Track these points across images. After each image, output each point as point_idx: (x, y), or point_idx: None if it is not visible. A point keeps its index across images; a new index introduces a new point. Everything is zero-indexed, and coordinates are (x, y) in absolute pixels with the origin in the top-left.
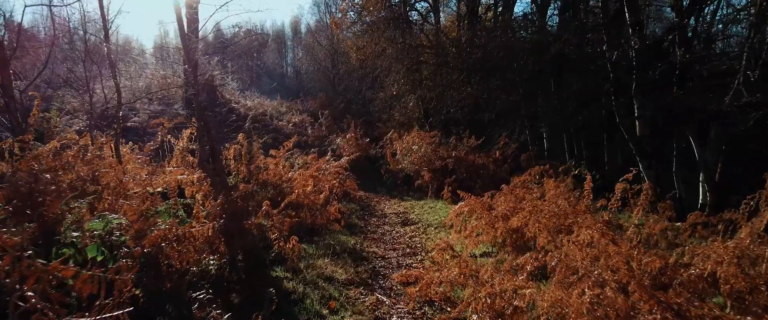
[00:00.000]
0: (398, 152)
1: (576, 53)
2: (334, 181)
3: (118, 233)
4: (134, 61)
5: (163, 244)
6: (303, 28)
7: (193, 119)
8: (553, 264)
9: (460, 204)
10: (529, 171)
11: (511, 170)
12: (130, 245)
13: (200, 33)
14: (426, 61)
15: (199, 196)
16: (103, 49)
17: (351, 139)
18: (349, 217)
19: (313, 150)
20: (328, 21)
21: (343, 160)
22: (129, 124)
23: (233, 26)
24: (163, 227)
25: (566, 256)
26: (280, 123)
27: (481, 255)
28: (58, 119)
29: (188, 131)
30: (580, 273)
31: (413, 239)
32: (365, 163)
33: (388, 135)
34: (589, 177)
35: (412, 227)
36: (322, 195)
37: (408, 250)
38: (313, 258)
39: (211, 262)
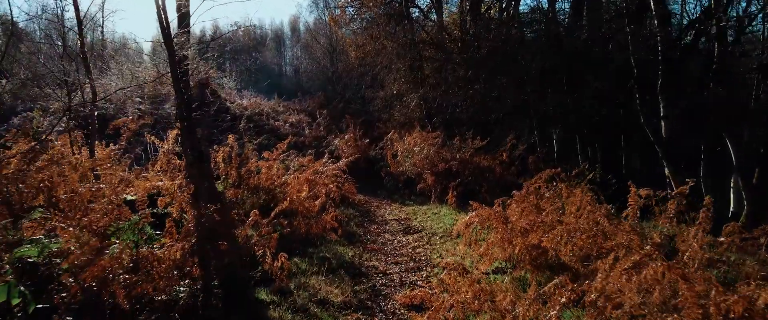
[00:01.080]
0: (399, 153)
1: (591, 48)
2: (332, 185)
3: (58, 260)
4: (127, 59)
5: (110, 276)
6: (302, 27)
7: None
8: (592, 296)
9: (470, 214)
10: (539, 175)
11: (519, 173)
12: (66, 279)
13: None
14: (429, 57)
15: (174, 208)
16: (96, 47)
17: (350, 139)
18: (347, 224)
19: (310, 151)
20: (327, 18)
21: (342, 162)
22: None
23: (232, 25)
24: (114, 252)
25: (609, 286)
26: (277, 123)
27: (494, 272)
28: (40, 119)
29: (174, 132)
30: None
31: (417, 250)
32: (364, 165)
33: (389, 135)
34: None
35: (416, 236)
36: (317, 202)
37: (412, 264)
38: (305, 276)
39: (181, 290)
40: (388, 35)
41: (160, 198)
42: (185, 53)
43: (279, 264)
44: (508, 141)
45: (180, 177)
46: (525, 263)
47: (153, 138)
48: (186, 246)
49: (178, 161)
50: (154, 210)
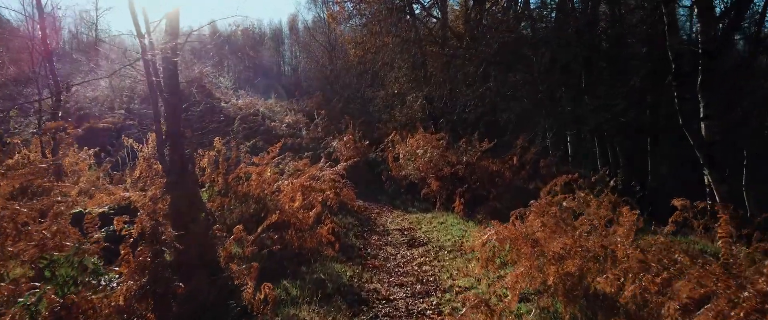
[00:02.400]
0: (401, 156)
1: (615, 42)
2: (329, 192)
3: None
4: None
5: None
6: (300, 26)
7: (162, 121)
8: None
9: (487, 230)
10: (553, 181)
11: (529, 177)
12: None
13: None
14: (434, 52)
15: (135, 229)
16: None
17: (349, 141)
18: (346, 236)
19: (307, 153)
20: (325, 15)
21: (340, 166)
22: (100, 126)
23: (231, 24)
24: (25, 302)
25: None
26: (273, 123)
27: (520, 301)
28: (18, 119)
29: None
30: None
31: (423, 268)
32: (364, 168)
33: (390, 137)
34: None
35: (421, 250)
36: (312, 212)
37: (419, 287)
38: (295, 306)
39: None
40: (388, 31)
41: (117, 218)
42: (169, 55)
43: (262, 297)
44: (518, 143)
45: (154, 187)
46: (558, 293)
47: (131, 141)
48: (134, 287)
49: (160, 167)
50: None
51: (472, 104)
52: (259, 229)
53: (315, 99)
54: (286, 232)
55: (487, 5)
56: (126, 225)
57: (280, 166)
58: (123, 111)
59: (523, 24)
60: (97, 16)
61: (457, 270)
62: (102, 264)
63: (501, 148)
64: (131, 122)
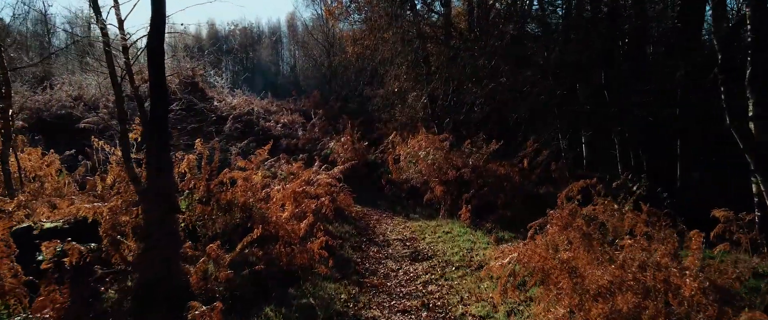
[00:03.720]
0: (402, 158)
1: (640, 33)
2: (324, 198)
3: None
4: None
5: None
6: (298, 24)
7: (137, 120)
8: None
9: (507, 251)
10: (569, 187)
11: (540, 182)
12: None
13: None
14: (439, 45)
15: (70, 255)
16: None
17: (346, 142)
18: (342, 248)
19: (302, 155)
20: (322, 12)
21: (336, 169)
22: (81, 126)
23: (229, 24)
24: None
25: None
26: (268, 124)
27: None
28: None
29: (132, 135)
30: None
31: (429, 288)
32: (363, 171)
33: (390, 137)
34: None
35: (426, 265)
36: (304, 223)
37: (424, 314)
38: None
39: None
40: (389, 26)
41: (45, 244)
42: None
43: None
44: (529, 145)
45: (118, 196)
46: None
47: (102, 142)
48: None
49: (139, 171)
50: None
51: (480, 102)
52: (239, 246)
53: (312, 98)
54: (274, 246)
55: (491, 1)
56: (58, 250)
57: (273, 170)
58: (105, 110)
59: (528, 21)
60: (90, 12)
61: (469, 292)
62: (23, 301)
63: (509, 150)
64: (114, 122)
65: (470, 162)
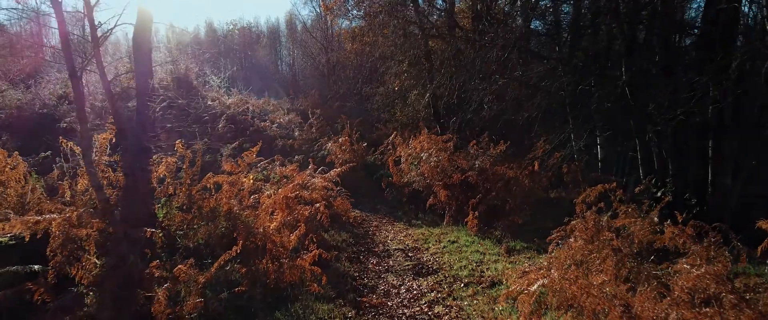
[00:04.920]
0: (403, 160)
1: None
2: (320, 204)
3: None
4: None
5: None
6: (297, 23)
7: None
8: None
9: (532, 273)
10: (586, 192)
11: (551, 186)
12: None
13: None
14: (437, 47)
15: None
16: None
17: (345, 143)
18: (338, 259)
19: (299, 156)
20: (320, 8)
21: (333, 172)
22: (62, 125)
23: (228, 23)
24: None
25: None
26: (263, 123)
27: None
28: None
29: (105, 136)
30: None
31: (435, 310)
32: (362, 173)
33: (390, 138)
34: None
35: (431, 280)
36: (294, 235)
37: None
38: None
39: None
40: (388, 19)
41: None
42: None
43: None
44: (539, 146)
45: (69, 210)
46: None
47: (71, 144)
48: None
49: (112, 175)
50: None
51: (489, 99)
52: (216, 265)
53: (311, 97)
54: (260, 261)
55: None
56: None
57: (265, 172)
58: (90, 109)
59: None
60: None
61: (482, 317)
62: None
63: (517, 151)
64: (99, 122)
65: (476, 165)
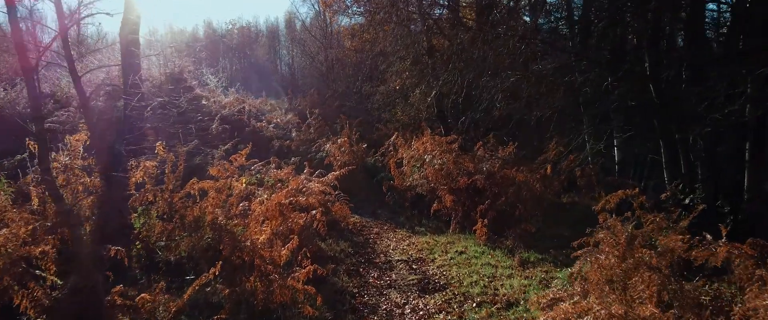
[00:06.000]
0: (405, 162)
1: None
2: (316, 211)
3: None
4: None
5: None
6: (297, 22)
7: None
8: None
9: (557, 299)
10: (606, 198)
11: (564, 190)
12: None
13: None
14: (439, 45)
15: None
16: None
17: (344, 144)
18: (335, 272)
19: (296, 158)
20: (319, 5)
21: (331, 176)
22: (45, 125)
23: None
24: None
25: None
26: (259, 124)
27: None
28: None
29: (79, 137)
30: None
31: None
32: (362, 176)
33: (391, 139)
34: None
35: (439, 299)
36: (286, 249)
37: None
38: None
39: None
40: (389, 15)
41: None
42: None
43: None
44: (552, 147)
45: (15, 225)
46: None
47: (36, 146)
48: None
49: (88, 180)
50: None
51: (499, 98)
52: (189, 291)
53: (309, 97)
54: (247, 279)
55: None
56: None
57: (259, 175)
58: (69, 110)
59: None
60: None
61: None
62: None
63: (527, 154)
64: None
65: (484, 168)
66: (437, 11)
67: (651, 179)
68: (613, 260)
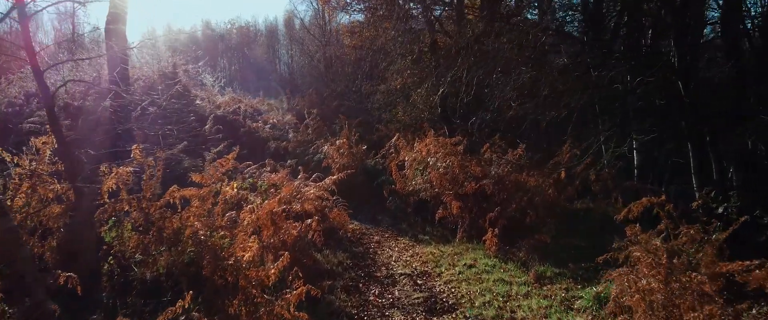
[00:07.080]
0: (407, 165)
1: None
2: (313, 220)
3: None
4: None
5: None
6: (296, 22)
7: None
8: None
9: None
10: (629, 207)
11: (577, 195)
12: None
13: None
14: (443, 42)
15: None
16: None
17: (342, 145)
18: (332, 290)
19: (292, 160)
20: (318, 2)
21: (329, 179)
22: (27, 125)
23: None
24: None
25: None
26: (255, 124)
27: None
28: None
29: (47, 139)
30: None
31: None
32: (361, 179)
33: (393, 140)
34: None
35: None
36: (275, 268)
37: None
38: None
39: None
40: (390, 12)
41: None
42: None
43: None
44: (566, 150)
45: None
46: None
47: (3, 152)
48: None
49: (58, 187)
50: None
51: (512, 96)
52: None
53: (308, 97)
54: (230, 303)
55: None
56: None
57: (252, 180)
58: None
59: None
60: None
61: None
62: None
63: (536, 157)
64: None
65: (493, 172)
66: (438, 9)
67: (672, 184)
68: (654, 284)
